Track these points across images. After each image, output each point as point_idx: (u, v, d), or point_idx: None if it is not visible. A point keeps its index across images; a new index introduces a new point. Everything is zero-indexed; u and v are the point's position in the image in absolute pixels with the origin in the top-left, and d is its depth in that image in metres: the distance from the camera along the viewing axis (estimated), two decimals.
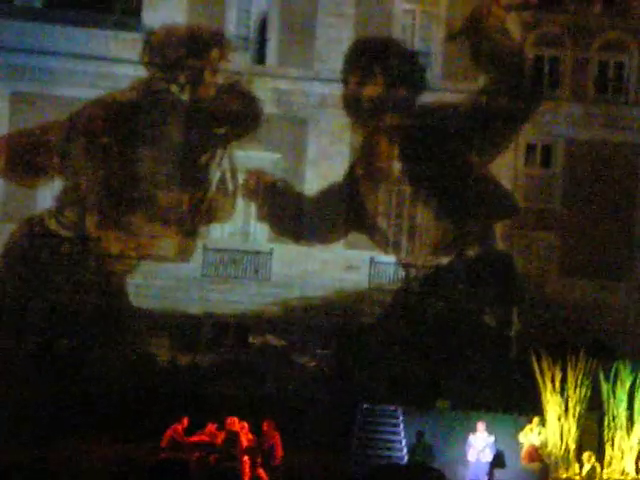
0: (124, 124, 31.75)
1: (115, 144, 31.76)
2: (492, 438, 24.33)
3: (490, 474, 23.91)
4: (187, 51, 32.08)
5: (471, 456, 24.22)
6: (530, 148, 33.27)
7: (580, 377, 25.39)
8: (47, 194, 31.84)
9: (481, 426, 24.47)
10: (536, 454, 24.82)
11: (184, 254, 32.01)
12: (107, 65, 31.67)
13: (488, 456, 24.08)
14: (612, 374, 25.44)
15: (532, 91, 32.82)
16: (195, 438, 23.63)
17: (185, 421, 23.67)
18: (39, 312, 29.92)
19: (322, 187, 32.63)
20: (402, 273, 32.37)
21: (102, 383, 27.21)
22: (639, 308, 32.15)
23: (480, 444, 24.22)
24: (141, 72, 31.99)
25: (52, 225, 31.65)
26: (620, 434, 24.97)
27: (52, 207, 31.76)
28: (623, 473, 24.65)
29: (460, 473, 23.37)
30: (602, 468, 24.56)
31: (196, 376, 29.43)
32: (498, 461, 24.07)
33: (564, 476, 24.72)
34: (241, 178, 32.58)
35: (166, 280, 31.61)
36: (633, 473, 24.56)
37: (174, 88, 32.13)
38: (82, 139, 31.80)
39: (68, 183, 31.92)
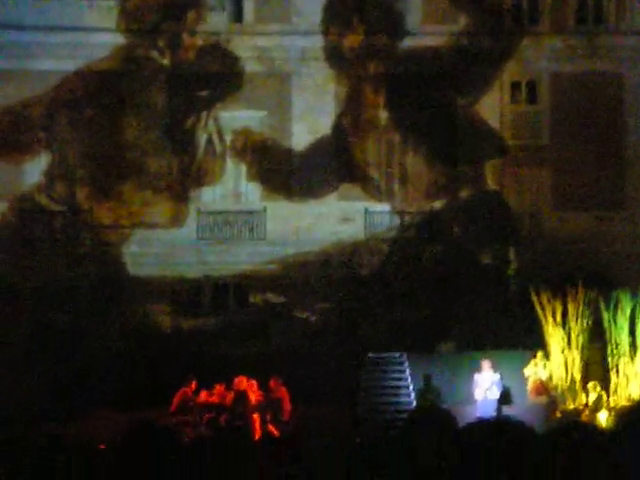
0: (106, 93, 31.54)
1: (99, 114, 31.56)
2: (498, 375, 24.49)
3: (498, 411, 24.09)
4: (164, 15, 31.80)
5: (478, 395, 24.40)
6: (515, 85, 33.11)
7: (581, 308, 25.54)
8: (35, 170, 31.70)
9: (486, 364, 24.62)
10: (543, 388, 25.00)
11: (177, 219, 31.96)
12: (83, 35, 31.38)
13: (495, 393, 24.25)
14: (612, 303, 25.60)
15: (513, 28, 32.62)
16: (204, 400, 23.78)
17: (193, 384, 23.80)
18: (36, 289, 29.91)
19: (310, 141, 32.50)
20: (397, 221, 32.36)
21: (106, 354, 27.29)
22: (634, 235, 32.18)
23: (486, 382, 24.38)
24: (119, 40, 31.75)
25: (43, 200, 31.54)
26: (624, 361, 25.17)
27: (41, 182, 31.65)
28: (629, 399, 24.86)
29: (468, 412, 23.48)
30: (608, 396, 24.77)
31: (200, 339, 29.54)
32: (505, 398, 24.25)
33: (571, 407, 24.94)
34: (228, 139, 32.46)
35: (161, 247, 31.58)
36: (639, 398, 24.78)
37: (154, 53, 31.89)
38: (65, 112, 31.60)
39: (55, 157, 31.79)
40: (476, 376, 24.62)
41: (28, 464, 15.20)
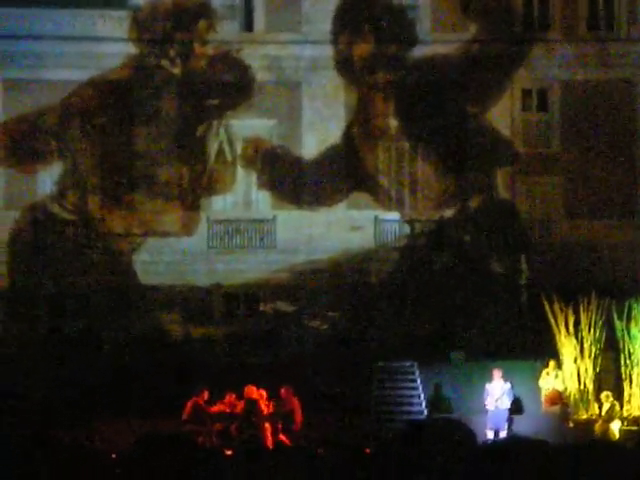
0: (118, 103, 31.63)
1: (110, 123, 31.65)
2: (508, 385, 24.41)
3: (509, 421, 24.04)
4: (175, 24, 31.90)
5: (489, 404, 24.32)
6: (526, 93, 33.11)
7: (593, 317, 25.44)
8: (47, 179, 31.83)
9: (497, 374, 24.55)
10: (557, 397, 24.92)
11: (188, 228, 32.00)
12: (96, 45, 31.47)
13: (506, 403, 24.18)
14: (625, 312, 25.49)
15: (523, 35, 32.62)
16: (215, 409, 23.75)
17: (206, 394, 23.77)
18: (49, 297, 29.98)
19: (320, 150, 32.53)
20: (407, 229, 32.33)
21: (117, 362, 27.31)
22: None
23: (497, 392, 24.30)
24: (131, 49, 31.83)
25: (55, 209, 31.63)
26: (637, 371, 25.06)
27: (53, 191, 31.74)
28: None
29: (479, 423, 23.45)
30: (621, 406, 24.68)
31: (210, 348, 29.52)
32: (516, 407, 24.18)
33: (584, 417, 24.85)
34: (239, 147, 32.49)
35: (172, 255, 31.62)
36: None
37: (165, 63, 31.97)
38: (77, 121, 31.71)
39: (67, 166, 31.87)
40: (487, 386, 24.54)
41: (42, 468, 15.21)
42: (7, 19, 31.28)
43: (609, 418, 24.11)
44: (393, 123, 32.68)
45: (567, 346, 25.44)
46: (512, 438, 19.55)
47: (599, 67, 32.71)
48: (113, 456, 16.71)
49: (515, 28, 32.65)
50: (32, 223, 31.20)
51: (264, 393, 23.71)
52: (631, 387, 25.03)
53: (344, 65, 32.43)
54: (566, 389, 25.14)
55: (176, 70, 32.02)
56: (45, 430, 21.24)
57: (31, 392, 25.57)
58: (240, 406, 23.53)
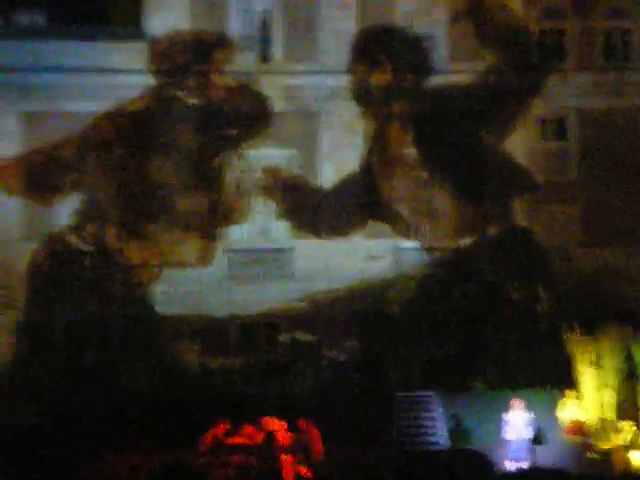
0: (136, 134, 31.78)
1: (129, 154, 31.80)
2: (531, 415, 24.28)
3: (531, 452, 23.88)
4: (193, 55, 32.08)
5: (509, 435, 24.16)
6: (543, 122, 33.15)
7: (613, 346, 25.31)
8: (65, 210, 31.93)
9: (518, 404, 24.42)
10: (578, 428, 24.79)
11: (206, 258, 32.04)
12: (114, 76, 31.66)
13: (528, 433, 24.03)
14: None
15: (540, 65, 32.71)
16: (233, 441, 23.70)
17: (224, 425, 23.73)
18: (67, 327, 30.06)
19: (338, 179, 32.58)
20: (425, 258, 32.31)
21: (135, 393, 27.31)
22: None
23: (519, 422, 24.15)
24: (149, 80, 32.01)
25: (73, 240, 31.70)
26: None
27: (71, 222, 31.84)
28: None
29: (500, 453, 23.31)
30: None
31: (229, 379, 29.49)
32: (538, 438, 24.03)
33: (605, 447, 24.68)
34: (257, 177, 32.57)
35: (190, 285, 31.65)
36: None
37: (183, 94, 32.14)
38: (95, 152, 31.87)
39: (85, 197, 32.00)
40: (506, 416, 24.40)
41: None
42: (26, 52, 31.53)
43: (630, 448, 23.94)
44: (410, 152, 32.71)
45: (587, 375, 25.31)
46: (533, 468, 19.43)
47: (615, 96, 32.74)
48: None
49: (531, 57, 32.74)
50: (50, 254, 31.30)
51: (283, 424, 23.66)
52: None
53: (361, 95, 32.54)
54: (587, 419, 25.00)
55: (194, 101, 32.17)
56: (61, 460, 21.27)
57: (48, 423, 25.61)
58: (259, 438, 23.48)
